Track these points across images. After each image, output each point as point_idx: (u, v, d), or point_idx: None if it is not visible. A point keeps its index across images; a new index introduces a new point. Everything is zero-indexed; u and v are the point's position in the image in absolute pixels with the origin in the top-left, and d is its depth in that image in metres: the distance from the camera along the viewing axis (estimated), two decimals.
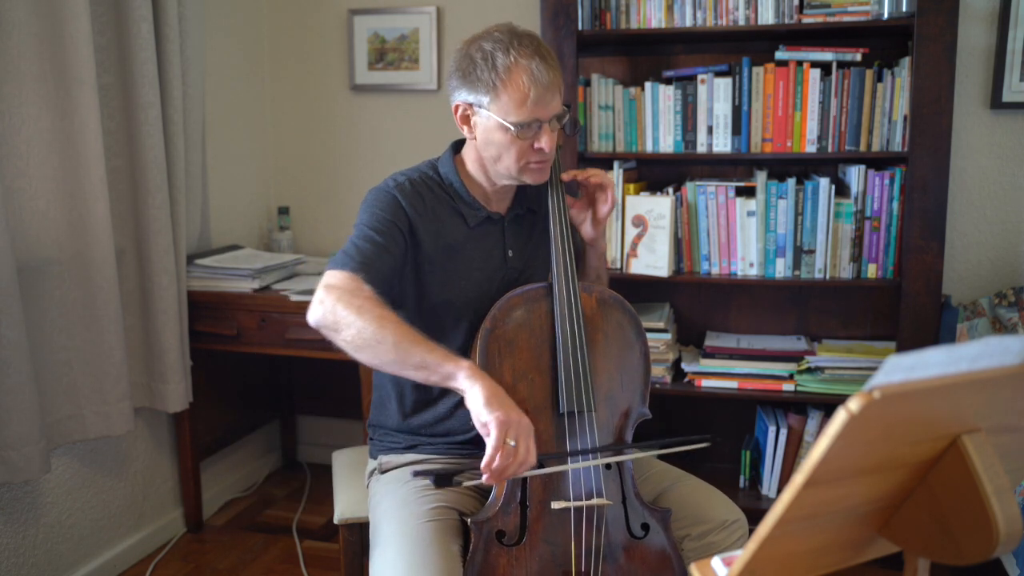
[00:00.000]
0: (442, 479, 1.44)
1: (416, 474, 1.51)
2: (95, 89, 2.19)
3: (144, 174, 2.40)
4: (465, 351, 1.59)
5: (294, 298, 2.53)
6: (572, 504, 1.49)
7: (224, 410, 2.95)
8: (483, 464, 1.34)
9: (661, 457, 1.78)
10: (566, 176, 1.70)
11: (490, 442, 1.32)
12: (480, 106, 1.54)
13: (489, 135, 1.55)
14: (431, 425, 1.67)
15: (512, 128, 1.51)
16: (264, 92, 3.17)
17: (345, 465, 2.06)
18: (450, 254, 1.63)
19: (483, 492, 1.60)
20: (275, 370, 3.20)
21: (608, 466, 1.55)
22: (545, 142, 1.53)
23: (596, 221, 1.72)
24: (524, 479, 1.49)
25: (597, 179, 1.68)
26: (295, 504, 2.97)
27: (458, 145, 1.71)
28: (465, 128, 1.60)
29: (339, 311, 1.41)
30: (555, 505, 1.48)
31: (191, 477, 2.73)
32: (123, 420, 2.33)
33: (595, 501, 1.50)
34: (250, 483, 3.13)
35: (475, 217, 1.65)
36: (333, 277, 1.47)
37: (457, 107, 1.58)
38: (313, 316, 1.45)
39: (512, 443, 1.33)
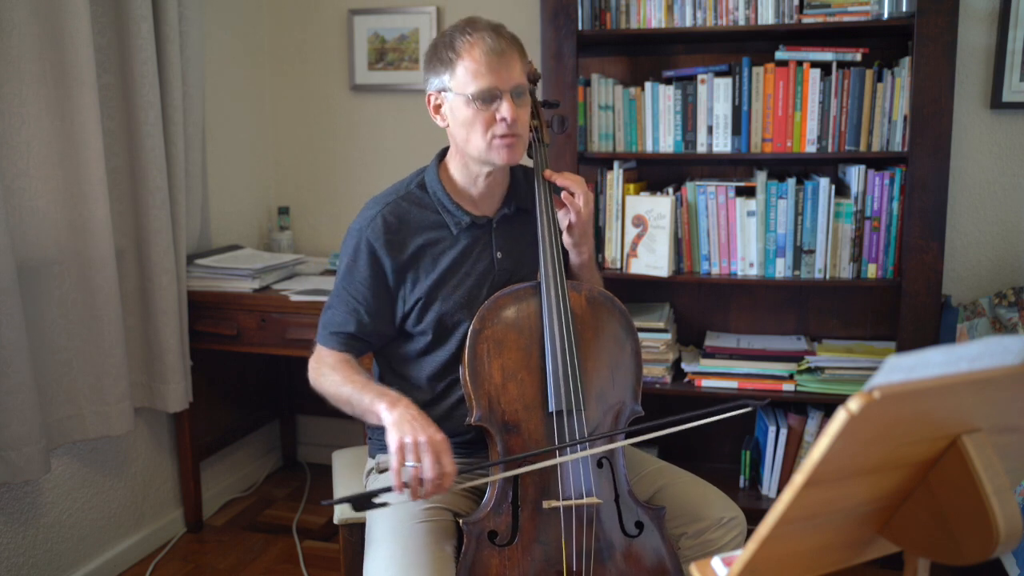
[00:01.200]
0: (359, 503, 1.39)
1: (325, 503, 1.50)
2: (95, 89, 2.19)
3: (144, 174, 2.40)
4: (459, 356, 1.61)
5: (294, 298, 2.53)
6: (562, 504, 1.49)
7: (224, 410, 2.95)
8: (393, 485, 1.38)
9: (661, 455, 1.78)
10: (547, 174, 1.68)
11: (391, 466, 1.39)
12: (445, 90, 1.58)
13: (455, 115, 1.58)
14: None
15: (472, 100, 1.53)
16: (264, 92, 3.17)
17: (345, 465, 2.06)
18: (437, 268, 1.63)
19: (478, 493, 1.60)
20: (275, 370, 3.20)
21: (600, 464, 1.55)
22: (506, 110, 1.53)
23: (568, 228, 1.68)
24: (516, 478, 1.49)
25: (564, 181, 1.65)
26: (295, 504, 2.97)
27: (444, 153, 1.71)
28: (438, 118, 1.63)
29: (316, 385, 1.65)
30: (546, 505, 1.48)
31: (191, 477, 2.73)
32: (123, 420, 2.33)
33: (586, 500, 1.49)
34: (250, 483, 3.13)
35: (459, 224, 1.65)
36: (318, 351, 1.68)
37: (429, 98, 1.62)
38: (312, 385, 1.67)
39: (410, 464, 1.37)
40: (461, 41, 1.54)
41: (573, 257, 1.72)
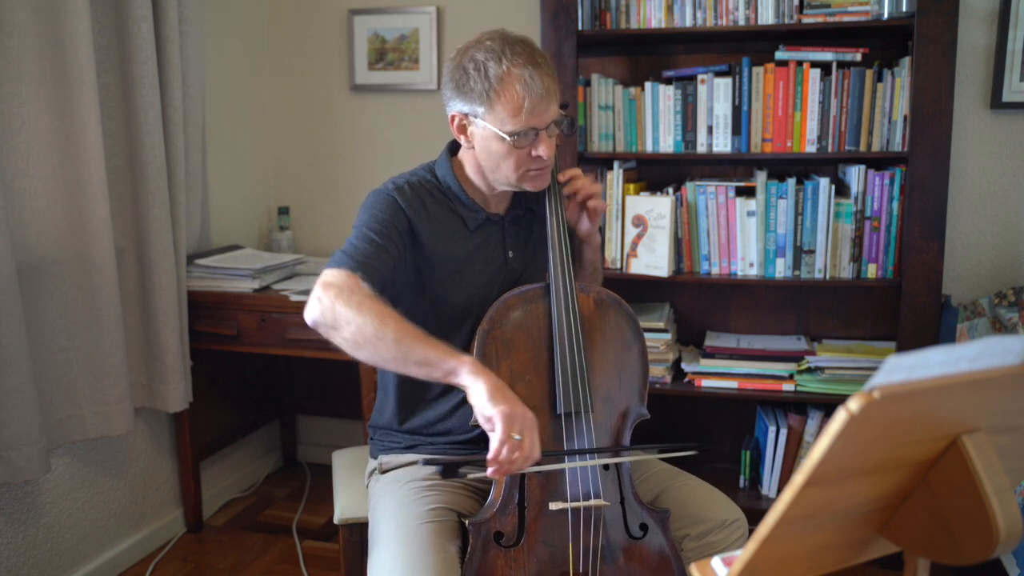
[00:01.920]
0: (449, 470, 1.44)
1: (426, 462, 1.52)
2: (95, 89, 2.19)
3: (144, 174, 2.40)
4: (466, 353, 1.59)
5: (294, 298, 2.53)
6: (570, 505, 1.49)
7: (224, 410, 2.95)
8: (489, 457, 1.32)
9: (661, 458, 1.78)
10: (562, 177, 1.69)
11: (495, 436, 1.30)
12: (475, 116, 1.52)
13: (486, 144, 1.54)
14: (431, 425, 1.67)
15: (508, 138, 1.50)
16: (264, 92, 3.17)
17: (345, 465, 2.06)
18: (452, 258, 1.62)
19: (482, 493, 1.60)
20: (275, 370, 3.20)
21: (606, 467, 1.55)
22: (543, 150, 1.52)
23: (591, 222, 1.71)
24: (522, 479, 1.49)
25: (586, 191, 1.66)
26: (295, 504, 2.97)
27: (454, 146, 1.69)
28: (462, 137, 1.59)
29: (338, 308, 1.39)
30: (553, 506, 1.48)
31: (191, 477, 2.73)
32: (123, 420, 2.33)
33: (593, 502, 1.49)
34: (250, 483, 3.13)
35: (475, 220, 1.64)
36: (331, 275, 1.44)
37: (453, 117, 1.57)
38: (311, 314, 1.43)
39: (517, 437, 1.31)
40: (499, 73, 1.47)
41: (588, 246, 1.73)
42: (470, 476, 1.52)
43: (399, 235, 1.56)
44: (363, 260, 1.47)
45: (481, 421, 1.35)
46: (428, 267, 1.61)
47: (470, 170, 1.65)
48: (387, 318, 1.37)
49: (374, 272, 1.47)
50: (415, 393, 1.68)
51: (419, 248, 1.60)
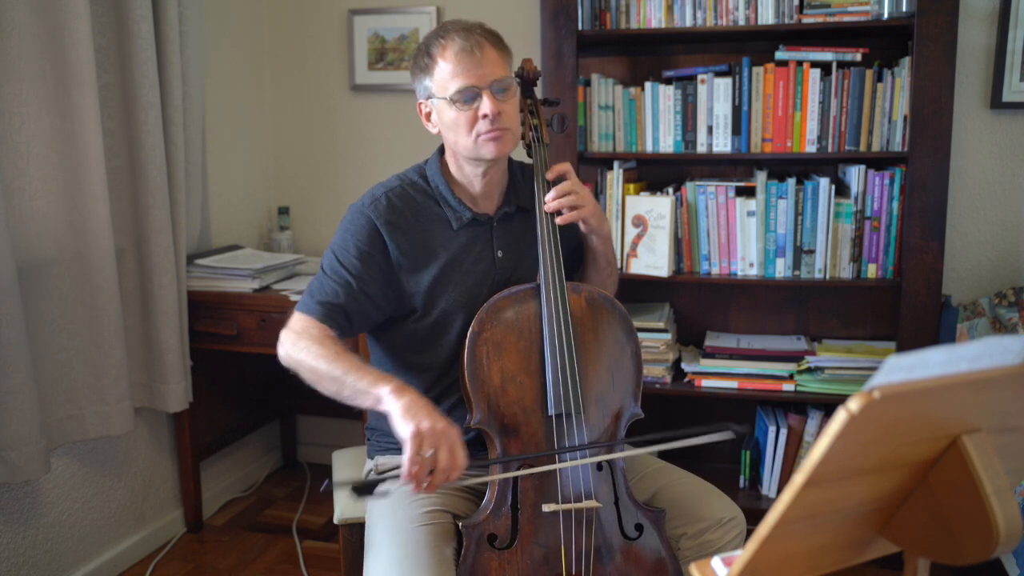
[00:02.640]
0: (362, 489, 1.35)
1: (325, 488, 1.49)
2: (95, 89, 2.19)
3: (144, 174, 2.40)
4: (457, 356, 1.59)
5: (294, 298, 2.53)
6: (561, 507, 1.48)
7: (224, 410, 2.95)
8: (402, 475, 1.32)
9: (661, 455, 1.77)
10: (551, 175, 1.66)
11: (404, 455, 1.32)
12: (430, 96, 1.59)
13: (442, 119, 1.59)
14: None
15: (452, 100, 1.54)
16: (264, 92, 3.17)
17: (345, 465, 2.06)
18: (437, 261, 1.62)
19: (478, 494, 1.59)
20: (275, 370, 3.17)
21: (599, 467, 1.54)
22: (487, 106, 1.53)
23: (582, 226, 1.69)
24: (515, 481, 1.49)
25: (559, 204, 1.62)
26: (295, 504, 2.97)
27: (444, 148, 1.71)
28: (430, 125, 1.64)
29: (292, 354, 1.53)
30: (546, 508, 1.48)
31: (191, 477, 2.73)
32: (123, 420, 2.33)
33: (585, 504, 1.49)
34: (250, 483, 3.13)
35: (460, 220, 1.64)
36: (294, 321, 1.57)
37: (419, 107, 1.64)
38: (281, 356, 1.56)
39: (428, 454, 1.31)
40: (435, 45, 1.56)
41: (596, 238, 1.70)
42: (382, 489, 1.39)
43: (371, 257, 1.59)
44: (325, 301, 1.57)
45: (401, 442, 1.34)
46: (412, 273, 1.61)
47: (452, 164, 1.66)
48: (329, 360, 1.47)
49: (336, 311, 1.56)
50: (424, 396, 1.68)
51: (399, 258, 1.60)
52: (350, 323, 1.59)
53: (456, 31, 1.55)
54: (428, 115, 1.64)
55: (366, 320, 1.62)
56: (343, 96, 3.12)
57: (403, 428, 1.33)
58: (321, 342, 1.50)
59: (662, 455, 1.79)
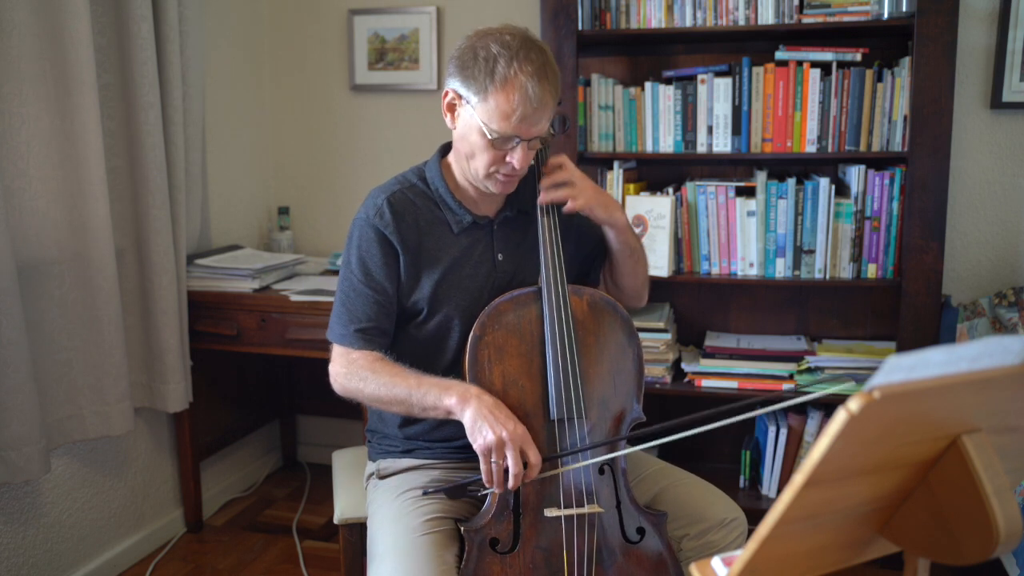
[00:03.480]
0: (454, 492, 1.52)
1: (426, 493, 1.56)
2: (95, 89, 2.19)
3: (144, 174, 2.40)
4: (459, 360, 1.59)
5: (294, 298, 2.53)
6: (563, 512, 1.48)
7: (224, 410, 2.95)
8: (486, 483, 1.45)
9: (662, 455, 1.77)
10: (547, 169, 1.65)
11: (482, 468, 1.44)
12: (468, 101, 1.51)
13: (468, 131, 1.53)
14: (428, 432, 1.66)
15: (490, 136, 1.49)
16: (264, 92, 3.17)
17: (345, 465, 2.06)
18: (439, 266, 1.60)
19: (480, 499, 1.59)
20: (275, 370, 3.20)
21: (601, 471, 1.53)
22: (518, 159, 1.51)
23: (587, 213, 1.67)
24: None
25: (550, 197, 1.63)
26: (295, 504, 2.97)
27: (445, 148, 1.68)
28: (448, 116, 1.57)
29: (349, 387, 1.58)
30: (548, 513, 1.48)
31: (191, 477, 2.73)
32: (123, 420, 2.33)
33: (587, 509, 1.48)
34: (250, 483, 3.13)
35: (460, 223, 1.62)
36: (341, 354, 1.60)
37: (447, 93, 1.55)
38: (339, 391, 1.62)
39: (495, 462, 1.41)
40: (504, 72, 1.45)
41: (612, 231, 1.67)
42: (481, 493, 1.53)
43: (387, 267, 1.59)
44: (361, 328, 1.59)
45: (484, 457, 1.44)
46: (416, 278, 1.61)
47: (457, 171, 1.63)
48: (388, 385, 1.53)
49: (373, 333, 1.59)
50: None
51: (406, 264, 1.60)
52: (386, 337, 1.62)
53: (532, 73, 1.45)
54: (452, 107, 1.55)
55: (388, 326, 1.63)
56: (343, 96, 3.12)
57: (473, 442, 1.44)
58: (372, 369, 1.55)
59: (663, 455, 1.79)
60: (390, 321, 1.61)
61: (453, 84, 1.53)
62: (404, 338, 1.65)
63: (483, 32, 1.52)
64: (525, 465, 1.42)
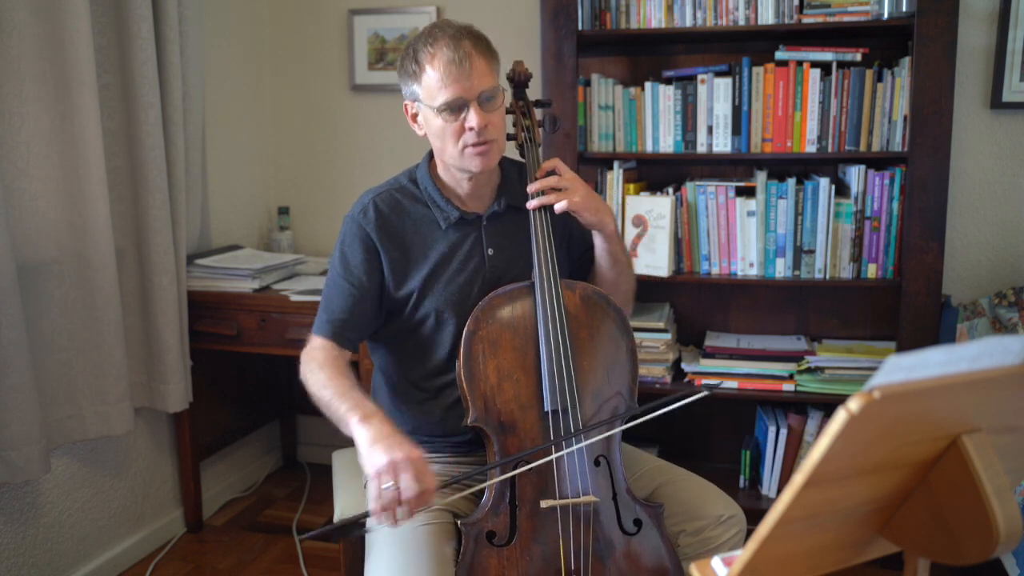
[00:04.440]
0: (338, 532, 1.41)
1: (305, 538, 1.50)
2: (95, 89, 2.19)
3: (144, 174, 2.40)
4: (454, 355, 1.60)
5: (294, 298, 2.53)
6: (559, 503, 1.48)
7: (224, 410, 2.95)
8: (371, 511, 1.35)
9: (661, 454, 1.77)
10: (540, 173, 1.65)
11: (368, 495, 1.36)
12: (417, 99, 1.57)
13: (429, 126, 1.58)
14: (424, 428, 1.67)
15: (439, 110, 1.53)
16: (264, 92, 3.17)
17: (345, 465, 2.06)
18: (426, 262, 1.63)
19: (478, 493, 1.60)
20: (275, 370, 3.20)
21: (597, 463, 1.54)
22: (473, 119, 1.52)
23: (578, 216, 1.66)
24: (513, 478, 1.49)
25: (545, 200, 1.62)
26: (295, 504, 2.97)
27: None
28: (415, 126, 1.63)
29: (303, 376, 1.61)
30: (544, 504, 1.48)
31: (191, 477, 2.73)
32: (123, 420, 2.33)
33: (583, 499, 1.49)
34: (250, 483, 3.13)
35: (447, 219, 1.64)
36: (311, 342, 1.64)
37: (406, 108, 1.62)
38: (302, 379, 1.62)
39: (386, 486, 1.32)
40: (423, 52, 1.53)
41: (599, 236, 1.68)
42: (364, 532, 1.48)
43: (368, 265, 1.63)
44: (334, 319, 1.62)
45: (371, 486, 1.36)
46: (403, 275, 1.63)
47: (441, 168, 1.66)
48: (322, 386, 1.55)
49: (344, 326, 1.62)
50: (404, 396, 1.68)
51: (391, 263, 1.62)
52: (359, 334, 1.65)
53: (445, 39, 1.52)
54: (415, 116, 1.62)
55: (370, 328, 1.67)
56: (343, 96, 3.12)
57: (365, 466, 1.38)
58: (321, 367, 1.57)
59: (662, 454, 1.80)
60: (364, 317, 1.63)
61: (405, 93, 1.61)
62: (398, 334, 1.67)
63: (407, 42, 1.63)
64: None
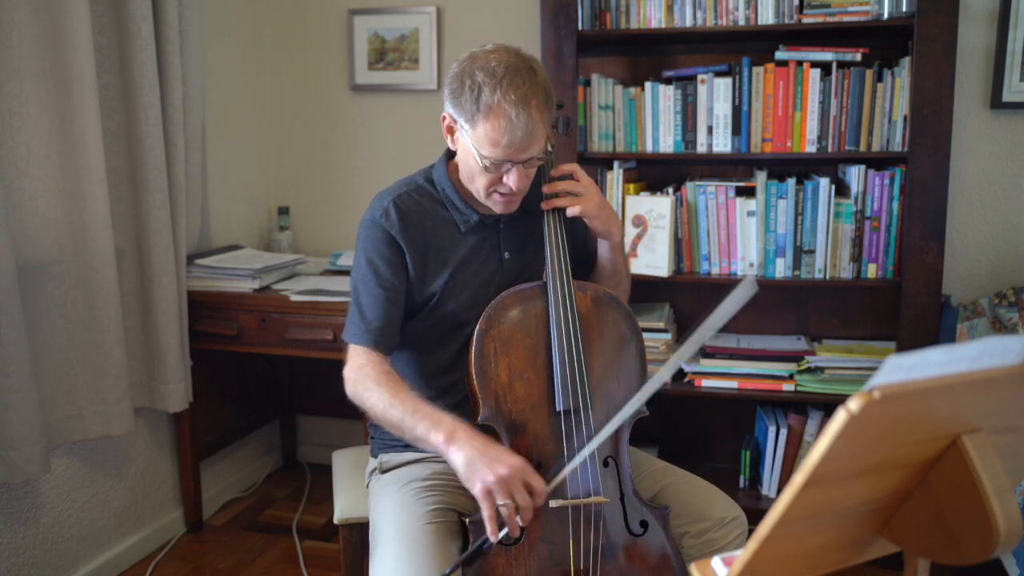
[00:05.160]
0: (471, 558, 1.44)
1: (454, 569, 1.48)
2: (95, 89, 2.19)
3: (144, 174, 2.40)
4: (463, 354, 1.61)
5: (294, 298, 2.53)
6: (570, 503, 1.49)
7: (224, 410, 2.95)
8: (489, 532, 1.39)
9: (662, 455, 1.77)
10: (555, 172, 1.67)
11: (483, 514, 1.39)
12: (461, 127, 1.54)
13: (465, 155, 1.56)
14: None
15: (482, 162, 1.51)
16: (264, 92, 3.17)
17: (345, 465, 2.06)
18: (447, 265, 1.63)
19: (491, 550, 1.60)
20: (275, 370, 3.20)
21: (606, 463, 1.55)
22: (513, 181, 1.52)
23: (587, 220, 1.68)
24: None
25: (564, 186, 1.64)
26: (295, 504, 2.97)
27: (452, 151, 1.70)
28: (449, 138, 1.60)
29: (358, 393, 1.56)
30: (553, 504, 1.49)
31: (191, 477, 2.73)
32: (123, 420, 2.33)
33: (593, 499, 1.50)
34: (250, 483, 3.13)
35: (467, 223, 1.65)
36: (353, 355, 1.59)
37: (444, 117, 1.59)
38: (349, 394, 1.58)
39: (502, 503, 1.36)
40: (487, 98, 1.45)
41: (604, 244, 1.69)
42: (489, 546, 1.46)
43: (397, 267, 1.61)
44: (376, 328, 1.59)
45: (481, 502, 1.40)
46: (425, 277, 1.63)
47: (462, 172, 1.65)
48: (387, 404, 1.51)
49: (384, 333, 1.59)
50: (432, 391, 1.68)
51: (413, 264, 1.62)
52: (397, 339, 1.63)
53: (514, 97, 1.44)
54: (451, 130, 1.57)
55: (396, 335, 1.64)
56: (343, 96, 3.12)
57: (471, 487, 1.39)
58: (379, 384, 1.53)
59: (662, 453, 1.80)
60: (399, 320, 1.62)
61: (448, 108, 1.56)
62: (412, 333, 1.67)
63: (474, 56, 1.52)
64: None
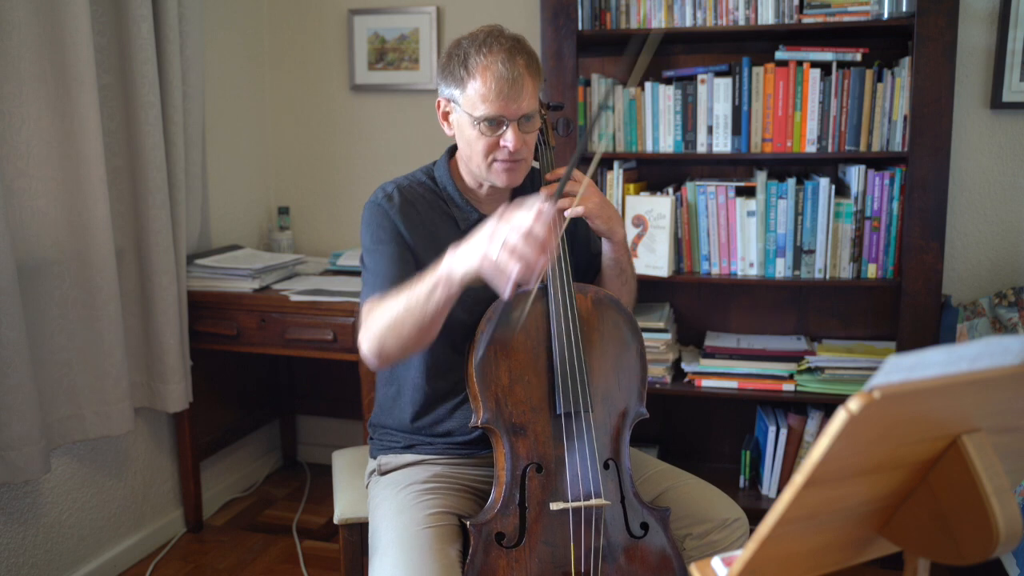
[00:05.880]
0: (503, 317, 1.42)
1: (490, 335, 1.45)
2: (95, 89, 2.19)
3: (144, 174, 2.40)
4: (460, 355, 1.60)
5: (294, 298, 2.53)
6: (571, 505, 1.49)
7: (224, 410, 2.95)
8: (508, 290, 1.32)
9: (662, 456, 1.77)
10: (550, 176, 1.67)
11: (504, 255, 1.30)
12: (454, 101, 1.56)
13: (461, 131, 1.57)
14: (432, 426, 1.67)
15: (477, 121, 1.52)
16: (264, 92, 3.17)
17: (345, 465, 2.06)
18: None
19: (482, 495, 1.60)
20: (275, 370, 3.20)
21: (607, 466, 1.55)
22: (510, 139, 1.52)
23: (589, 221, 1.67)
24: (523, 479, 1.49)
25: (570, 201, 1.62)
26: (295, 504, 2.97)
27: (454, 150, 1.70)
28: (445, 125, 1.62)
29: (372, 335, 1.49)
30: (554, 506, 1.48)
31: (191, 477, 2.73)
32: (123, 420, 2.33)
33: (594, 502, 1.49)
34: (250, 483, 3.13)
35: (466, 220, 1.64)
36: (366, 308, 1.54)
37: (439, 104, 1.61)
38: (364, 351, 1.51)
39: (502, 243, 1.30)
40: (474, 61, 1.50)
41: (609, 243, 1.69)
42: (521, 290, 1.42)
43: (400, 240, 1.60)
44: (390, 279, 1.54)
45: (493, 276, 1.33)
46: (422, 269, 1.61)
47: (463, 169, 1.66)
48: (399, 300, 1.44)
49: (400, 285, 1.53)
50: (409, 396, 1.68)
51: (414, 251, 1.61)
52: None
53: (501, 52, 1.50)
54: (446, 115, 1.60)
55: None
56: (343, 96, 3.12)
57: (477, 260, 1.33)
58: (380, 304, 1.49)
59: (662, 453, 1.80)
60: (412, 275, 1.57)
61: (441, 91, 1.59)
62: None
63: (458, 37, 1.58)
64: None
